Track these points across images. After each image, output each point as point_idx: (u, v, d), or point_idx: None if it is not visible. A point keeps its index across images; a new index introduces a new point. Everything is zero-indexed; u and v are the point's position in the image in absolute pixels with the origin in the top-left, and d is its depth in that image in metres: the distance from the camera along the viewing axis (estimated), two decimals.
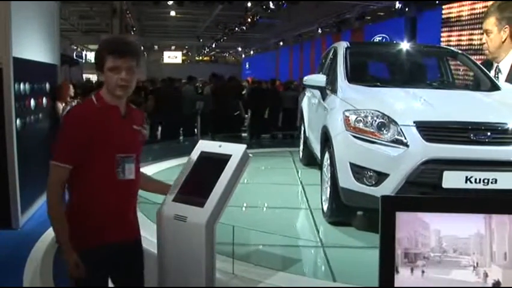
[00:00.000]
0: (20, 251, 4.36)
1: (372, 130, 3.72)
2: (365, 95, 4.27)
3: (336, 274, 3.29)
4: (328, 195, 4.26)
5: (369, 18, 19.48)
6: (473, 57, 5.68)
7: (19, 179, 4.95)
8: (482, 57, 6.88)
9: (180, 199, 2.43)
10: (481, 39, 8.73)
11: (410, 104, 4.04)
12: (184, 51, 44.54)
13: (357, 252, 3.78)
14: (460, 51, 5.44)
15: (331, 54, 5.69)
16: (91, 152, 2.14)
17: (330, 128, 4.23)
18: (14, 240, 4.70)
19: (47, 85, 6.42)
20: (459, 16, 11.79)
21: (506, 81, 4.35)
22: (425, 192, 3.53)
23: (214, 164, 2.48)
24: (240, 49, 40.26)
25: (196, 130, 11.02)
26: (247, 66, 38.77)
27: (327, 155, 4.31)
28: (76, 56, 29.24)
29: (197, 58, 46.33)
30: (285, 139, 11.89)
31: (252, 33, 28.66)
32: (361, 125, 3.80)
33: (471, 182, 3.48)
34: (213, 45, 36.66)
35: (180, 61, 42.09)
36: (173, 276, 2.42)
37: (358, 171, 3.76)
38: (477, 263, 1.38)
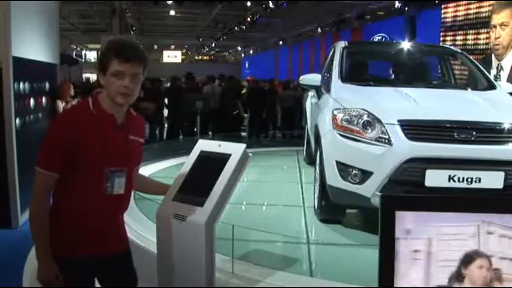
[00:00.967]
0: (19, 250, 4.35)
1: (357, 129, 3.76)
2: (355, 94, 4.31)
3: (315, 270, 3.37)
4: (317, 193, 4.31)
5: (368, 17, 19.47)
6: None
7: (18, 178, 4.95)
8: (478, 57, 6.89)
9: (180, 198, 2.43)
10: (476, 39, 8.75)
11: (397, 103, 4.05)
12: (184, 51, 44.52)
13: (340, 250, 3.83)
14: (459, 50, 5.44)
15: (331, 53, 5.72)
16: (78, 163, 1.97)
17: (320, 126, 4.29)
18: (14, 239, 4.70)
19: (47, 84, 6.42)
20: (457, 17, 11.79)
21: (508, 79, 4.36)
22: (409, 190, 3.55)
23: (213, 163, 2.47)
24: (239, 48, 40.25)
25: (195, 129, 11.03)
26: (246, 65, 38.77)
27: (318, 153, 4.36)
28: (76, 55, 29.21)
29: (196, 57, 46.32)
30: (284, 138, 11.90)
31: (252, 33, 28.63)
32: (347, 124, 3.84)
33: (454, 180, 3.49)
34: (213, 45, 36.65)
35: (180, 60, 42.07)
36: (173, 276, 2.42)
37: (343, 169, 3.80)
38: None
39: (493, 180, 3.53)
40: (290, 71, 26.67)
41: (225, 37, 29.21)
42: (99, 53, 2.29)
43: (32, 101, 5.64)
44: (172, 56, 41.73)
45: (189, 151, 2.64)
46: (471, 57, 5.23)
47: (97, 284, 2.25)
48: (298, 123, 11.20)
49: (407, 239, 1.37)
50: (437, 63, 5.84)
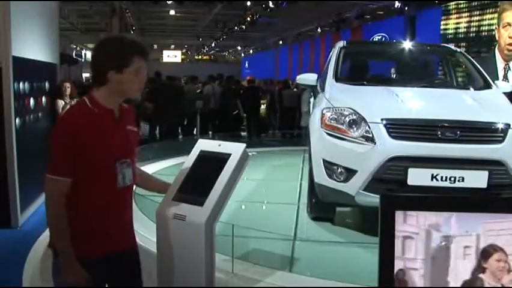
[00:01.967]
0: (19, 250, 4.36)
1: (343, 127, 3.81)
2: (346, 94, 4.35)
3: (295, 266, 3.41)
4: (308, 192, 4.36)
5: (368, 17, 19.46)
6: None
7: (18, 178, 4.95)
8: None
9: (180, 198, 2.43)
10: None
11: (383, 102, 4.08)
12: (184, 50, 44.50)
13: (323, 248, 3.90)
14: (458, 50, 5.43)
15: (331, 53, 5.73)
16: (89, 162, 1.97)
17: (310, 125, 4.36)
18: (14, 239, 4.70)
19: (47, 84, 6.41)
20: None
21: None
22: (392, 189, 3.58)
23: (213, 162, 2.47)
24: (239, 48, 40.21)
25: (195, 129, 11.04)
26: (246, 65, 38.73)
27: (308, 152, 4.43)
28: (76, 55, 29.21)
29: (196, 57, 46.29)
30: (283, 138, 11.91)
31: (252, 33, 28.60)
32: (334, 123, 3.88)
33: (437, 179, 3.50)
34: (213, 44, 36.61)
35: (180, 60, 42.03)
36: (173, 276, 2.42)
37: (329, 167, 3.85)
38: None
39: (477, 179, 3.53)
40: (290, 70, 26.66)
41: (224, 37, 29.18)
42: (110, 50, 2.18)
43: (32, 101, 5.64)
44: (172, 56, 41.68)
45: (189, 151, 2.65)
46: (469, 57, 5.23)
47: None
48: (298, 122, 11.20)
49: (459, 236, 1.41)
50: (436, 63, 5.85)
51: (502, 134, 3.63)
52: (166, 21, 27.14)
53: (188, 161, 2.58)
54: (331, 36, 20.84)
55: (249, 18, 20.79)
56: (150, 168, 6.07)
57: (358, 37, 18.23)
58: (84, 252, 2.01)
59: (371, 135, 3.66)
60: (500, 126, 3.66)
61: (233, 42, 36.03)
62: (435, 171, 3.50)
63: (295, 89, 12.59)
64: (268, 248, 3.75)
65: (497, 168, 3.55)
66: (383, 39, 15.65)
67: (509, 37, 7.51)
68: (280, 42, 30.24)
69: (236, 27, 24.19)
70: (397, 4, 15.29)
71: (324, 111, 4.00)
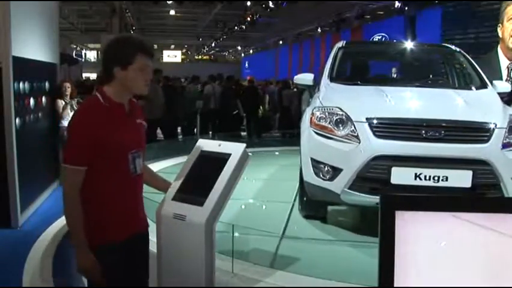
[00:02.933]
0: (19, 250, 4.36)
1: (330, 126, 3.84)
2: (337, 93, 4.37)
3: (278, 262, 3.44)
4: (298, 190, 4.40)
5: (368, 17, 19.47)
6: None
7: (18, 178, 4.95)
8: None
9: (179, 198, 2.43)
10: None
11: (371, 102, 4.09)
12: (184, 50, 44.49)
13: (306, 245, 3.93)
14: (457, 49, 5.42)
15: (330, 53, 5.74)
16: (103, 152, 2.11)
17: (302, 124, 4.37)
18: (14, 239, 4.70)
19: (47, 84, 6.41)
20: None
21: None
22: (376, 188, 3.60)
23: (213, 162, 2.47)
24: (239, 48, 40.23)
25: (195, 129, 11.04)
26: (246, 65, 38.74)
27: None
28: (76, 55, 29.23)
29: (196, 57, 46.29)
30: (283, 138, 11.91)
31: (252, 33, 28.62)
32: (322, 122, 3.91)
33: (421, 178, 3.51)
34: (213, 44, 36.62)
35: (180, 60, 42.04)
36: (173, 275, 2.42)
37: (317, 165, 3.88)
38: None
39: (461, 179, 3.53)
40: (290, 70, 26.66)
41: (224, 37, 29.19)
42: (116, 48, 2.32)
43: (32, 101, 5.64)
44: (172, 56, 41.69)
45: (189, 151, 2.65)
46: (468, 56, 5.21)
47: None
48: (298, 122, 11.18)
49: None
50: (434, 63, 5.84)
51: (487, 134, 3.62)
52: (166, 21, 27.16)
53: (188, 161, 2.58)
54: (331, 36, 20.85)
55: (249, 18, 20.80)
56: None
57: (358, 37, 18.23)
58: (103, 239, 2.14)
59: (356, 134, 3.69)
60: (486, 125, 3.66)
61: (233, 42, 36.04)
62: (418, 171, 3.51)
63: (295, 89, 12.59)
64: (254, 245, 3.79)
65: (482, 168, 3.54)
66: (383, 39, 15.65)
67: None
68: (280, 42, 30.25)
69: (236, 27, 24.20)
70: (397, 4, 15.30)
71: (314, 111, 4.05)
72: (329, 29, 21.98)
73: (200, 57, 46.79)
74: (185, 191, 2.45)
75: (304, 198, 4.29)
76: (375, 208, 1.53)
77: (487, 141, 3.59)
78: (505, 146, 3.63)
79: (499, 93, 4.43)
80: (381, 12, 18.93)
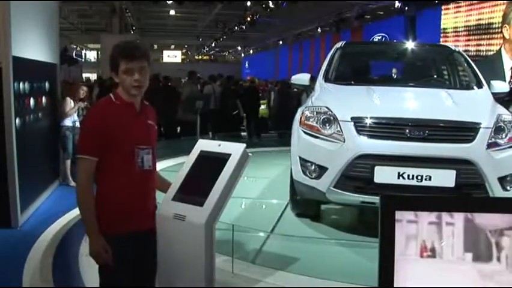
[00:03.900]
0: (19, 250, 4.36)
1: (317, 126, 3.88)
2: (329, 93, 4.40)
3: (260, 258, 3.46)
4: (289, 188, 4.43)
5: (368, 17, 19.47)
6: None
7: (18, 178, 4.95)
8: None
9: (179, 198, 2.43)
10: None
11: (359, 101, 4.11)
12: (184, 51, 44.48)
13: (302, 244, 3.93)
14: (456, 49, 5.41)
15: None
16: (113, 145, 2.29)
17: (293, 124, 4.40)
18: (14, 239, 4.69)
19: (47, 84, 6.41)
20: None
21: None
22: (360, 186, 3.62)
23: (213, 163, 2.48)
24: (239, 48, 40.22)
25: (195, 129, 11.01)
26: (246, 65, 38.75)
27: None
28: (76, 55, 29.23)
29: (196, 57, 46.28)
30: (283, 138, 11.90)
31: (252, 32, 28.62)
32: (310, 121, 3.96)
33: (404, 178, 3.53)
34: (213, 44, 36.61)
35: (180, 60, 42.02)
36: (173, 276, 2.42)
37: (304, 164, 3.93)
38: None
39: (444, 178, 3.53)
40: (290, 70, 26.66)
41: (225, 37, 29.18)
42: (109, 57, 2.55)
43: (32, 101, 5.64)
44: (172, 56, 41.67)
45: (189, 151, 2.65)
46: (466, 56, 5.22)
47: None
48: None
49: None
50: (432, 62, 5.84)
51: (472, 134, 3.62)
52: (166, 21, 27.16)
53: (188, 161, 2.58)
54: (331, 36, 20.84)
55: (249, 18, 20.79)
56: None
57: (358, 37, 18.22)
58: (108, 229, 2.28)
59: (341, 134, 3.71)
60: (470, 125, 3.66)
61: (233, 42, 36.04)
62: (401, 170, 3.53)
63: (295, 89, 12.57)
64: (243, 242, 3.81)
65: (466, 167, 3.54)
66: (383, 39, 15.65)
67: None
68: (280, 42, 30.24)
69: (236, 27, 24.19)
70: (397, 4, 15.30)
71: (304, 110, 4.08)
72: (329, 29, 21.97)
73: (200, 57, 46.78)
74: (185, 191, 2.46)
75: (294, 197, 4.32)
76: (374, 208, 1.53)
77: (471, 141, 3.59)
78: (490, 145, 3.62)
79: (498, 94, 4.43)
80: (381, 13, 18.92)
